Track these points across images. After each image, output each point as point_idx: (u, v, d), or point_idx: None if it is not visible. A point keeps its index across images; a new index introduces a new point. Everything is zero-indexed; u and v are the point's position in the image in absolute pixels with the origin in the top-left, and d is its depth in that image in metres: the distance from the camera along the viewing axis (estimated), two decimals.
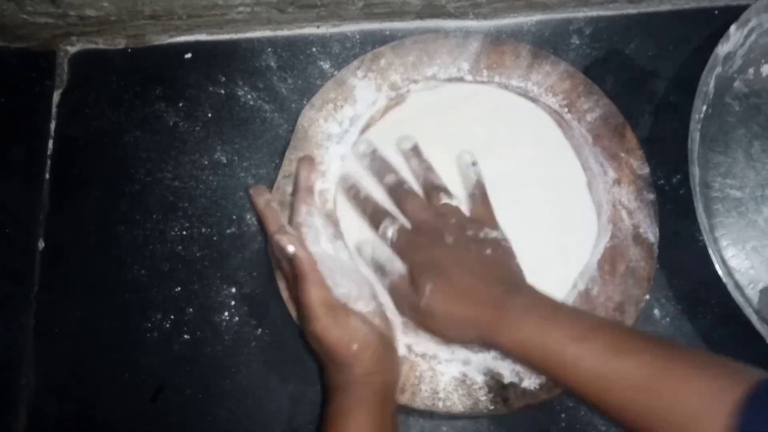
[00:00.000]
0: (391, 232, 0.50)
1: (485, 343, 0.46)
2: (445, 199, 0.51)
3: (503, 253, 0.49)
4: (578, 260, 0.53)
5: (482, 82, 0.56)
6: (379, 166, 0.53)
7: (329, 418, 0.45)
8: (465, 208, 0.52)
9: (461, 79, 0.56)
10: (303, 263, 0.45)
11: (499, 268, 0.48)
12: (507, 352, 0.45)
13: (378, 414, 0.45)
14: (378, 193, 0.53)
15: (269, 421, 0.53)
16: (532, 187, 0.55)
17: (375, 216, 0.52)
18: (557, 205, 0.54)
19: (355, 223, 0.53)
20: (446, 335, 0.47)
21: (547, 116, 0.56)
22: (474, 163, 0.53)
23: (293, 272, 0.46)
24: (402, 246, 0.50)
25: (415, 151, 0.54)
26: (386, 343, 0.48)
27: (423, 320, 0.47)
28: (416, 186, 0.53)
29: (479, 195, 0.52)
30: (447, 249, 0.48)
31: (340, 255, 0.50)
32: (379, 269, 0.50)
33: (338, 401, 0.45)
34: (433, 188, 0.52)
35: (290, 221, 0.50)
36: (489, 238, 0.49)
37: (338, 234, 0.51)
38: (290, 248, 0.45)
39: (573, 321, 0.43)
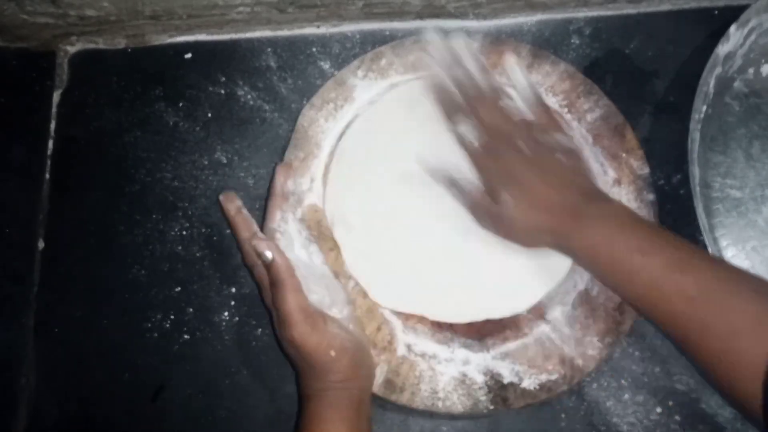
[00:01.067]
0: (468, 131, 0.50)
1: (559, 247, 0.47)
2: (511, 106, 0.50)
3: (572, 157, 0.49)
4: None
5: None
6: (450, 60, 0.51)
7: (305, 424, 0.45)
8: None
9: None
10: (281, 269, 0.45)
11: (573, 174, 0.48)
12: (577, 256, 0.46)
13: (354, 420, 0.45)
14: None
15: (269, 421, 0.53)
16: None
17: (456, 111, 0.51)
18: None
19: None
20: (525, 242, 0.48)
21: None
22: (524, 71, 0.52)
23: (270, 278, 0.46)
24: (478, 151, 0.50)
25: (470, 50, 0.52)
26: (362, 348, 0.48)
27: (502, 228, 0.48)
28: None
29: (538, 102, 0.51)
30: (521, 157, 0.48)
31: (314, 260, 0.50)
32: (453, 184, 0.50)
33: (314, 408, 0.45)
34: (496, 91, 0.51)
35: (263, 228, 0.49)
36: (560, 144, 0.49)
37: (311, 238, 0.51)
38: (268, 254, 0.45)
39: (642, 233, 0.44)
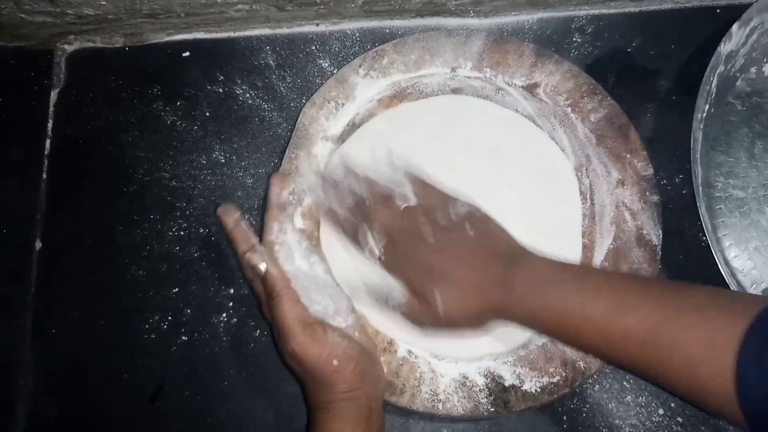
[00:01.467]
0: (377, 249, 0.49)
1: (503, 319, 0.46)
2: (402, 203, 0.49)
3: (482, 224, 0.48)
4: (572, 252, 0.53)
5: (486, 80, 0.56)
6: (336, 194, 0.51)
7: None
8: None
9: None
10: (275, 281, 0.45)
11: (488, 243, 0.47)
12: (519, 324, 0.45)
13: (365, 428, 0.44)
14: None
15: (268, 422, 0.53)
16: (516, 185, 0.55)
17: (357, 236, 0.50)
18: (543, 199, 0.54)
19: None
20: (473, 326, 0.47)
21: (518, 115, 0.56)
22: (390, 154, 0.52)
23: (266, 291, 0.46)
24: (390, 262, 0.49)
25: (349, 172, 0.51)
26: (368, 355, 0.47)
27: (447, 325, 0.47)
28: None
29: (418, 183, 0.50)
30: (433, 250, 0.47)
31: (316, 270, 0.49)
32: (385, 304, 0.49)
33: (322, 421, 0.44)
34: (386, 198, 0.50)
35: (261, 240, 0.49)
36: (461, 216, 0.48)
37: (312, 248, 0.50)
38: (262, 266, 0.45)
39: (575, 285, 0.43)
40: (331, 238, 0.53)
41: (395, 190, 0.50)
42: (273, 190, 0.50)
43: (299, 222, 0.52)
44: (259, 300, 0.48)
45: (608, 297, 0.41)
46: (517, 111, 0.56)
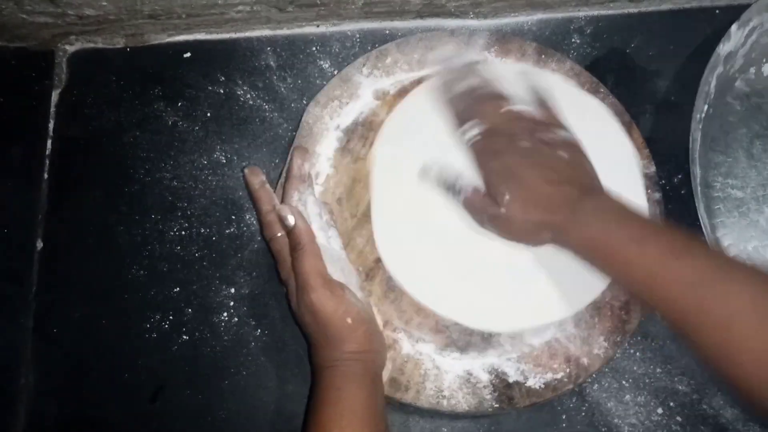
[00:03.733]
0: (475, 131, 0.50)
1: (558, 242, 0.47)
2: (514, 106, 0.50)
3: (574, 153, 0.49)
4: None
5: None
6: (457, 73, 0.52)
7: (320, 394, 0.45)
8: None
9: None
10: (302, 233, 0.47)
11: (572, 170, 0.48)
12: (575, 250, 0.46)
13: (371, 390, 0.45)
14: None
15: (269, 421, 0.53)
16: None
17: (463, 114, 0.51)
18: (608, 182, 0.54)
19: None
20: (525, 239, 0.48)
21: (581, 90, 0.55)
22: (526, 72, 0.53)
23: (291, 244, 0.47)
24: (479, 149, 0.50)
25: (472, 65, 0.52)
26: (376, 325, 0.49)
27: (503, 227, 0.48)
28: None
29: (541, 99, 0.52)
30: (521, 154, 0.48)
31: (332, 244, 0.50)
32: (450, 187, 0.50)
33: (329, 378, 0.45)
34: (499, 96, 0.51)
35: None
36: (559, 139, 0.49)
37: (331, 222, 0.51)
38: (290, 218, 0.47)
39: (637, 223, 0.44)
40: (382, 170, 0.52)
41: (508, 95, 0.51)
42: (295, 161, 0.52)
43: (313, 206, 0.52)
44: (279, 258, 0.49)
45: (667, 240, 0.42)
46: None
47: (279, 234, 0.49)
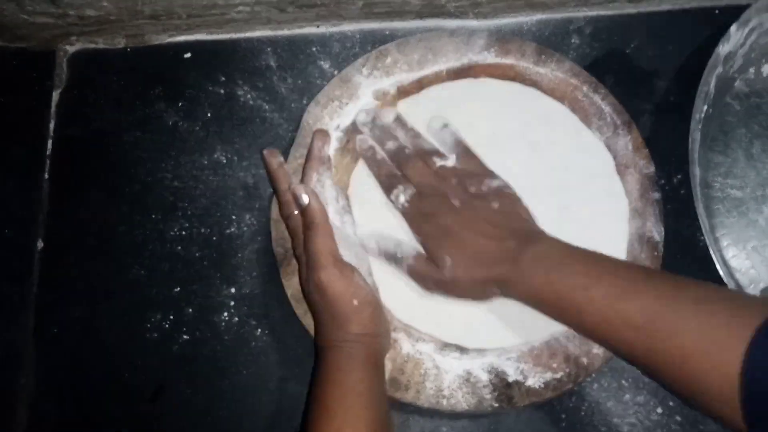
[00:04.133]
0: (403, 197, 0.51)
1: (506, 295, 0.47)
2: (439, 162, 0.51)
3: (509, 201, 0.50)
4: (613, 247, 0.53)
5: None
6: (379, 134, 0.53)
7: (323, 374, 0.45)
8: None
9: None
10: (315, 212, 0.47)
11: (509, 219, 0.48)
12: (523, 300, 0.46)
13: (374, 373, 0.46)
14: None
15: (269, 421, 0.53)
16: (557, 175, 0.54)
17: (389, 180, 0.52)
18: (585, 193, 0.54)
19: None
20: (473, 296, 0.49)
21: (559, 104, 0.56)
22: (445, 125, 0.54)
23: (304, 222, 0.48)
24: (412, 214, 0.50)
25: (399, 121, 0.54)
26: (382, 310, 0.49)
27: (450, 290, 0.48)
28: None
29: (463, 151, 0.52)
30: (455, 213, 0.48)
31: (347, 229, 0.51)
32: (391, 258, 0.51)
33: (333, 358, 0.45)
34: (426, 153, 0.52)
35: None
36: (492, 189, 0.50)
37: (347, 208, 0.52)
38: (304, 197, 0.48)
39: (582, 267, 0.44)
40: (361, 188, 0.54)
41: (438, 148, 0.52)
42: (316, 143, 0.52)
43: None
44: (294, 237, 0.50)
45: (611, 282, 0.42)
46: None
47: (295, 212, 0.49)
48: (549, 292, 0.44)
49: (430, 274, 0.48)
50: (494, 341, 0.51)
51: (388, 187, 0.52)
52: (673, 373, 0.39)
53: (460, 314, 0.51)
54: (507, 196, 0.50)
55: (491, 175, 0.51)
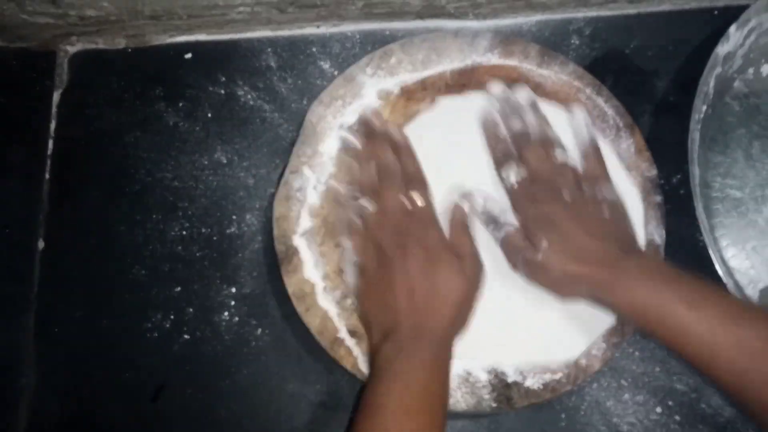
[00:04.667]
0: (514, 177, 0.50)
1: (595, 299, 0.46)
2: (562, 156, 0.50)
3: (619, 215, 0.49)
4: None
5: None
6: (508, 111, 0.52)
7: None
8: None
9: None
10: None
11: (615, 228, 0.48)
12: (619, 311, 0.45)
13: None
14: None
15: (269, 421, 0.53)
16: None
17: (505, 157, 0.51)
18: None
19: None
20: (558, 290, 0.47)
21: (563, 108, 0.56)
22: (588, 123, 0.53)
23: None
24: (520, 194, 0.49)
25: (533, 105, 0.53)
26: None
27: (536, 274, 0.47)
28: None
29: (593, 153, 0.51)
30: (564, 205, 0.47)
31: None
32: (491, 221, 0.50)
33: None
34: (550, 142, 0.51)
35: None
36: (606, 198, 0.49)
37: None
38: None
39: (688, 286, 0.43)
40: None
41: (562, 142, 0.51)
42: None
43: (306, 221, 0.53)
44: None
45: (721, 304, 0.41)
46: None
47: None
48: (653, 305, 0.42)
49: (525, 253, 0.47)
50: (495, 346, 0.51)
51: (500, 163, 0.51)
52: None
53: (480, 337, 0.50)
54: (618, 210, 0.49)
55: (610, 185, 0.50)
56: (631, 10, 0.61)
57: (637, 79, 0.59)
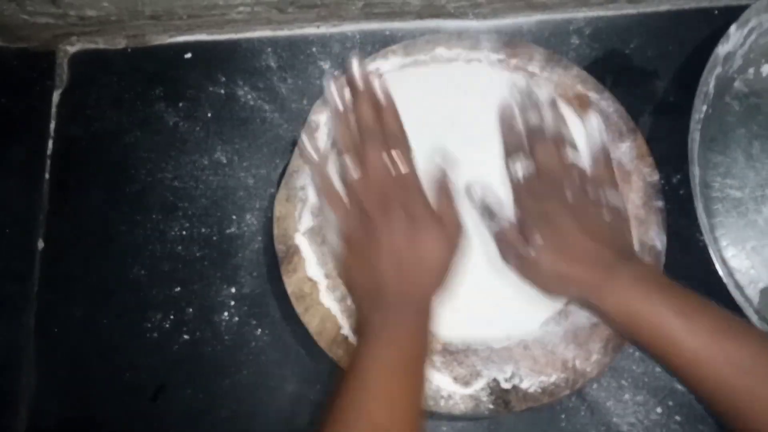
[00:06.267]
0: (521, 171, 0.49)
1: (584, 302, 0.46)
2: (571, 155, 0.50)
3: (620, 222, 0.48)
4: None
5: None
6: (528, 105, 0.52)
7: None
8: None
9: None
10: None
11: (613, 233, 0.47)
12: (607, 317, 0.44)
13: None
14: None
15: (269, 421, 0.53)
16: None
17: (515, 149, 0.51)
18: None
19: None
20: (548, 288, 0.47)
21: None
22: (602, 129, 0.52)
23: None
24: (524, 188, 0.49)
25: (553, 104, 0.52)
26: None
27: (528, 270, 0.47)
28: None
29: (603, 158, 0.51)
30: (565, 204, 0.47)
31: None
32: (488, 212, 0.50)
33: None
34: (563, 141, 0.50)
35: None
36: (609, 204, 0.48)
37: None
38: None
39: (682, 297, 0.42)
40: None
41: (575, 142, 0.51)
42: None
43: (308, 219, 0.53)
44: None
45: (714, 317, 0.41)
46: None
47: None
48: (645, 314, 0.42)
49: (517, 246, 0.47)
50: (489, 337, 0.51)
51: (510, 153, 0.51)
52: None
53: (458, 311, 0.50)
54: (620, 216, 0.49)
55: (616, 191, 0.50)
56: (631, 10, 0.61)
57: (637, 79, 0.59)
